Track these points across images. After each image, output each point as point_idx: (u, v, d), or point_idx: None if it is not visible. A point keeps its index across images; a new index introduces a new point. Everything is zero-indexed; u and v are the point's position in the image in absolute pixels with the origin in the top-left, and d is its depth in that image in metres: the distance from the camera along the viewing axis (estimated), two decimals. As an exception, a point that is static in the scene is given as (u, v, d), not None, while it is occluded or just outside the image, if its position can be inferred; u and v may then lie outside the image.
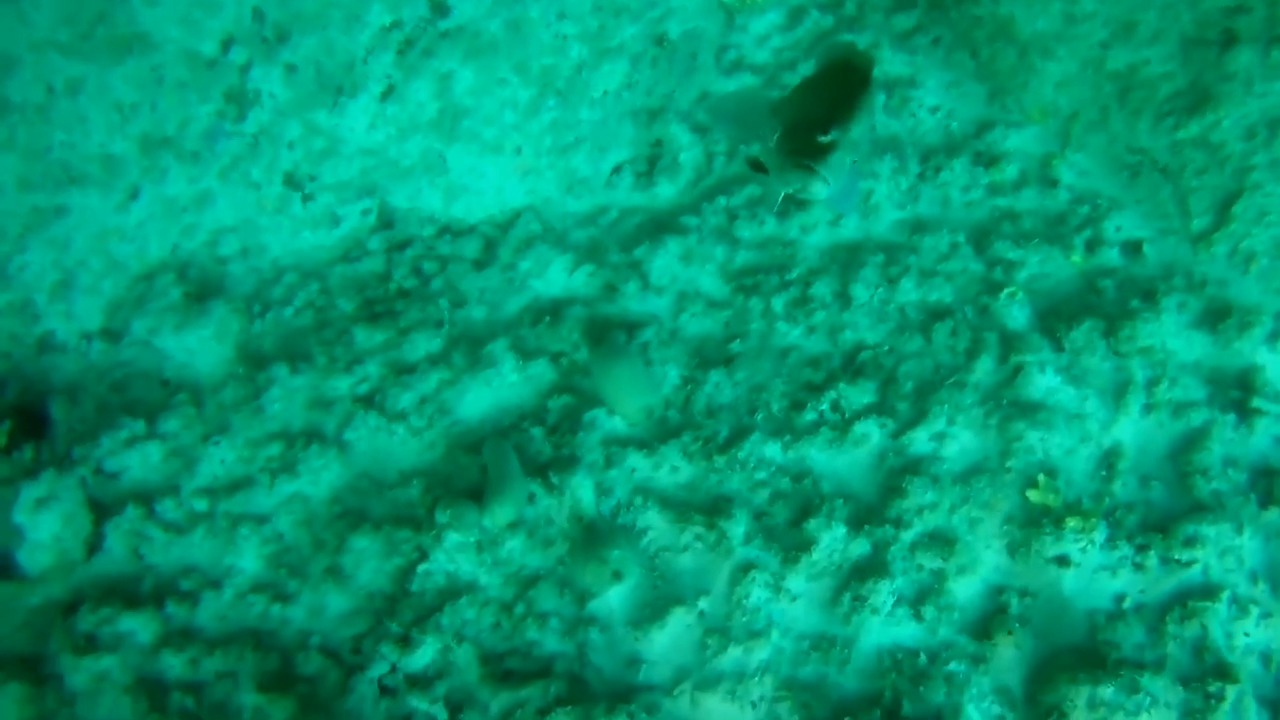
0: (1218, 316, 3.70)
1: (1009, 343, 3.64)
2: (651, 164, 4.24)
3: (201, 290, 3.84)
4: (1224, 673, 3.02)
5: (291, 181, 3.90)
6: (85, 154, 3.63)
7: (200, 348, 3.71)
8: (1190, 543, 3.21)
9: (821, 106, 2.25)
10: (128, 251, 3.82)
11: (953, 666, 3.04)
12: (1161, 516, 3.32)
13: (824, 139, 2.21)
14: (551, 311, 3.80)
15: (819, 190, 2.23)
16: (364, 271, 3.93)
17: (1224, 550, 3.22)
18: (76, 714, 2.81)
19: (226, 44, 3.70)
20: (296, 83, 3.81)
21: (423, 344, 3.68)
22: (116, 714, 2.85)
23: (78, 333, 3.71)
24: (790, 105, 2.35)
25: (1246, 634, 3.13)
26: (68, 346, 3.69)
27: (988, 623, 3.14)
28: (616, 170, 4.21)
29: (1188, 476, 3.39)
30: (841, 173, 2.24)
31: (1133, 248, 3.91)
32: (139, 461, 3.43)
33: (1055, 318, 3.71)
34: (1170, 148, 3.87)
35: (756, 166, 2.36)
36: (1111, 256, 3.88)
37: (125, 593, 3.16)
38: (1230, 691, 2.98)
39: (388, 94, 3.88)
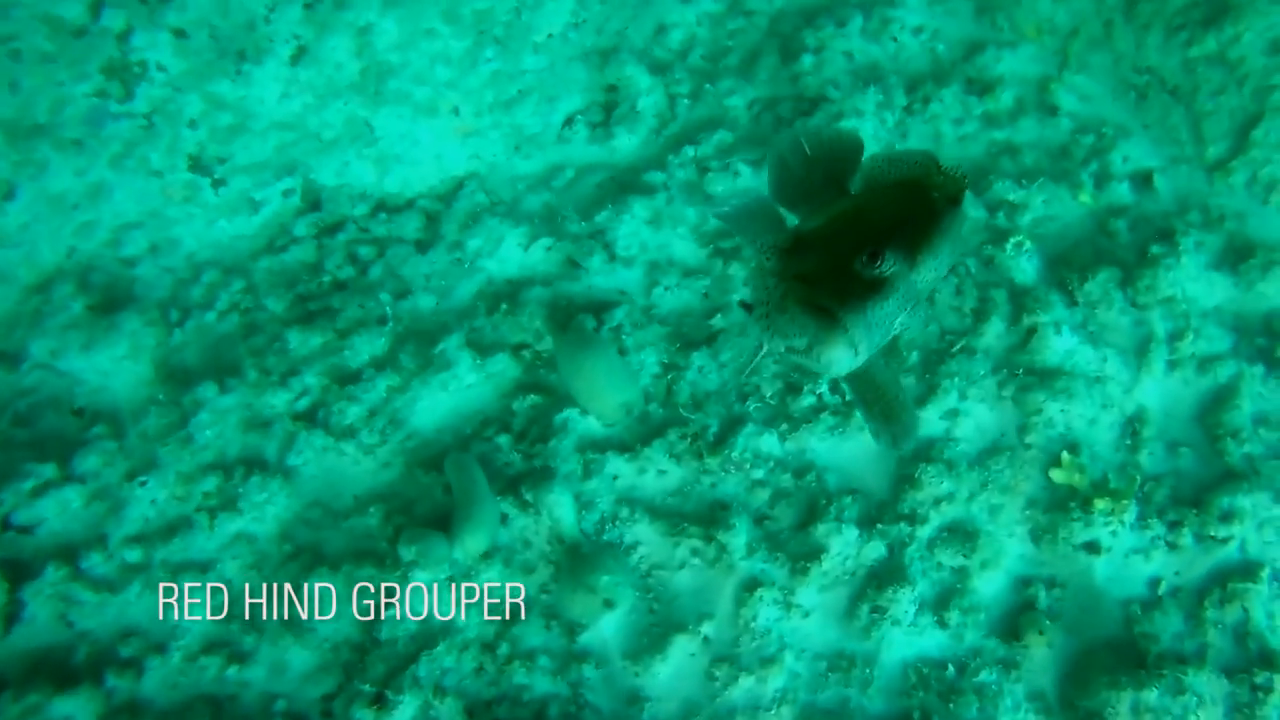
0: (1239, 255, 3.39)
1: (1019, 300, 3.30)
2: (608, 112, 3.77)
3: (108, 299, 3.35)
4: (1270, 660, 2.81)
5: (198, 165, 3.40)
6: (-64, 151, 3.10)
7: (114, 368, 3.25)
8: (1227, 517, 2.97)
9: (876, 220, 1.42)
10: (13, 259, 3.32)
11: (983, 676, 2.80)
12: (1193, 488, 3.07)
13: (869, 269, 1.33)
14: (508, 296, 3.37)
15: (840, 357, 1.34)
16: (292, 262, 3.46)
17: (1262, 522, 2.99)
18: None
19: (95, 8, 3.14)
20: (190, 50, 3.26)
21: (365, 346, 3.25)
22: (56, 822, 2.50)
23: (-34, 361, 3.23)
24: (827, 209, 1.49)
25: (1288, 611, 2.92)
26: (-44, 378, 3.21)
27: (1016, 621, 2.89)
28: (569, 122, 3.74)
29: (1218, 440, 3.12)
30: (884, 337, 1.37)
31: (1143, 179, 3.56)
32: (57, 510, 3.00)
33: (1067, 267, 3.37)
34: (1183, 66, 3.49)
35: (747, 304, 1.57)
36: (1122, 192, 3.53)
37: (55, 669, 2.78)
38: (1278, 681, 2.77)
39: (299, 56, 3.36)
